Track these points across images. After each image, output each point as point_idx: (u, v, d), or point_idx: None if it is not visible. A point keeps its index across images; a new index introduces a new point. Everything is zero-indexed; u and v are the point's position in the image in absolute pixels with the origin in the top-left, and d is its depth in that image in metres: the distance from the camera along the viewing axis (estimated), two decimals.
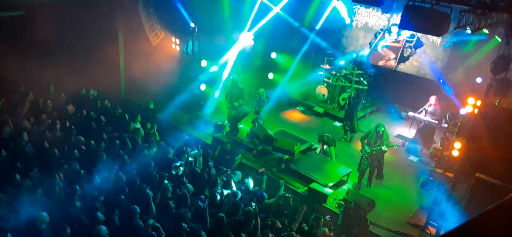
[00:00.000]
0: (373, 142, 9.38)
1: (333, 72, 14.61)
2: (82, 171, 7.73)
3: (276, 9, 14.32)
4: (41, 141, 8.51)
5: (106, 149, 8.89)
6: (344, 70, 14.33)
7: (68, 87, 11.20)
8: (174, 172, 8.60)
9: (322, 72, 14.88)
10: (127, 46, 13.50)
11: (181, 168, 8.88)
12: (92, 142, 8.90)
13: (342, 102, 14.06)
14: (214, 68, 14.03)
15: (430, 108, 12.00)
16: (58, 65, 11.07)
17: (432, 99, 11.97)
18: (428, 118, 11.89)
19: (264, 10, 14.48)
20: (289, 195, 8.31)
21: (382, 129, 9.32)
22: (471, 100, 9.29)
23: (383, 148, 9.30)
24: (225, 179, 8.66)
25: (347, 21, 15.57)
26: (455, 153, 9.06)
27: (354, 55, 15.07)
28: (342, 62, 14.48)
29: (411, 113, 12.49)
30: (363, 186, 9.73)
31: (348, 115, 12.23)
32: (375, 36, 15.52)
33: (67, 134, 9.10)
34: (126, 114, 10.63)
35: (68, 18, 11.72)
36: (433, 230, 8.27)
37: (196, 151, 9.42)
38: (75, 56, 11.70)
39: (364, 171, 9.61)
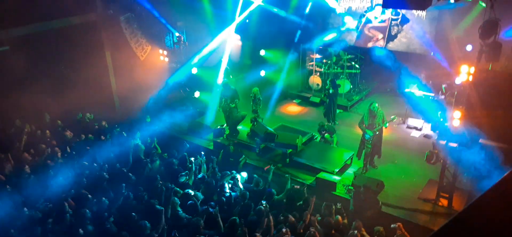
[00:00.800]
0: (370, 122, 9.38)
1: (324, 61, 14.65)
2: (89, 195, 7.70)
3: (257, 1, 14.19)
4: (43, 171, 8.43)
5: (109, 170, 8.85)
6: (334, 57, 14.37)
7: (62, 113, 11.14)
8: (181, 180, 8.57)
9: (312, 62, 14.90)
10: (115, 65, 13.46)
11: (186, 177, 8.84)
12: (95, 164, 8.84)
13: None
14: (194, 70, 14.10)
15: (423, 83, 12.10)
16: (49, 93, 11.02)
17: (422, 75, 12.08)
18: (422, 92, 11.96)
19: (247, 8, 14.45)
20: (299, 186, 8.32)
21: (376, 106, 9.32)
22: (464, 68, 9.32)
23: (384, 125, 9.35)
24: (231, 182, 8.66)
25: (336, 6, 15.48)
26: (456, 123, 9.10)
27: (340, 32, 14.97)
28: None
29: (407, 90, 12.54)
30: (369, 169, 9.76)
31: (328, 109, 12.19)
32: (360, 19, 15.56)
33: (69, 160, 9.02)
34: (124, 133, 10.57)
35: (53, 46, 11.70)
36: (444, 202, 8.32)
37: (199, 159, 9.40)
38: (65, 82, 11.66)
39: (368, 154, 9.62)
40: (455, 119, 9.11)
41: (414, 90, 12.20)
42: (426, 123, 11.95)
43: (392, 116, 9.63)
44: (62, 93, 11.24)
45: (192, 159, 9.49)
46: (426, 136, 11.51)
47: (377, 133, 9.42)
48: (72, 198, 7.57)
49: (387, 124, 9.45)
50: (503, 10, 8.55)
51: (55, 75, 11.68)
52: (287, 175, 8.77)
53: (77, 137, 10.12)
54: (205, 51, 14.10)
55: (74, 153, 9.44)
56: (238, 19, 14.06)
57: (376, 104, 9.34)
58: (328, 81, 12.36)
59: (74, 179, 8.30)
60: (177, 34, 14.44)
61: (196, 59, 14.16)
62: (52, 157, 9.04)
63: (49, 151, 9.40)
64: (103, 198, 7.58)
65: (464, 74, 9.26)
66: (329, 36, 14.65)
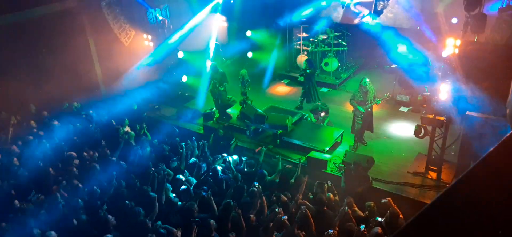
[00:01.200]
0: (362, 99, 9.40)
1: (311, 39, 14.59)
2: (80, 185, 7.67)
3: None
4: (33, 162, 8.32)
5: (99, 159, 8.78)
6: (321, 36, 14.32)
7: (48, 104, 10.96)
8: (173, 165, 8.57)
9: (299, 41, 14.83)
10: (99, 51, 13.23)
11: (178, 162, 8.83)
12: (85, 154, 8.75)
13: (325, 68, 14.09)
14: (180, 54, 13.93)
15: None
16: (33, 84, 10.82)
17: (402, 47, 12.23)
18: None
19: None
20: (291, 166, 8.39)
21: (367, 82, 9.35)
22: (450, 41, 9.37)
23: (376, 102, 9.41)
24: (223, 165, 8.68)
25: None
26: (443, 96, 9.20)
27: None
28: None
29: (394, 65, 12.62)
30: (359, 146, 9.85)
31: (308, 90, 12.08)
32: None
33: (57, 150, 8.92)
34: (113, 121, 10.46)
35: (35, 35, 11.43)
36: (433, 175, 8.48)
37: (190, 143, 9.37)
38: (50, 71, 11.43)
39: (359, 130, 9.69)
40: (442, 91, 9.22)
41: (403, 51, 12.26)
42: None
43: (385, 94, 9.65)
44: (46, 83, 11.05)
45: (183, 143, 9.48)
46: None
47: (369, 109, 9.46)
48: (63, 188, 7.51)
49: (380, 101, 9.47)
50: None
51: (38, 65, 11.46)
52: (278, 156, 8.82)
53: (65, 127, 9.97)
54: (186, 28, 13.89)
55: (62, 143, 9.32)
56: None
57: (367, 80, 9.36)
58: (304, 62, 12.26)
59: (63, 168, 8.24)
60: (160, 17, 14.19)
61: (176, 37, 13.94)
62: (41, 148, 8.92)
63: (36, 142, 9.28)
64: (95, 187, 7.55)
65: (450, 47, 9.34)
66: (306, 12, 14.49)
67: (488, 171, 0.94)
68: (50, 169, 8.06)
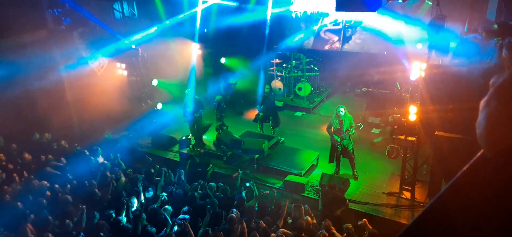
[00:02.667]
0: (338, 127, 9.29)
1: (284, 65, 14.90)
2: (49, 218, 7.40)
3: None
4: (0, 197, 7.98)
5: (72, 191, 8.52)
6: (294, 61, 14.65)
7: (17, 136, 10.62)
8: (149, 195, 8.42)
9: (273, 67, 15.09)
10: (71, 81, 12.98)
11: (153, 191, 8.69)
12: (56, 186, 8.47)
13: (298, 92, 14.37)
14: (154, 82, 13.96)
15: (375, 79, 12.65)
16: (1, 115, 10.47)
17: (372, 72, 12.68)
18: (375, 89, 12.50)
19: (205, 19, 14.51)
20: (268, 191, 8.40)
21: (342, 110, 9.25)
22: (416, 64, 9.78)
23: (351, 131, 9.25)
24: (200, 191, 8.61)
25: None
26: (412, 118, 9.53)
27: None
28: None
29: (364, 89, 13.02)
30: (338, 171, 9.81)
31: (269, 111, 11.87)
32: (316, 23, 15.95)
33: (27, 184, 8.60)
34: (86, 150, 10.22)
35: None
36: (407, 194, 8.70)
37: (163, 170, 9.26)
38: (19, 103, 11.11)
39: (338, 156, 9.60)
40: (411, 113, 9.57)
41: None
42: None
43: (359, 124, 9.49)
44: (17, 116, 10.72)
45: (162, 169, 9.34)
46: None
47: (344, 138, 9.29)
48: (32, 223, 7.23)
49: (353, 131, 9.36)
50: (449, 7, 9.06)
51: (5, 96, 11.11)
52: (251, 181, 8.79)
53: (36, 159, 9.66)
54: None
55: (32, 176, 9.00)
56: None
57: (342, 109, 9.26)
58: (266, 86, 12.16)
59: (34, 203, 7.93)
60: (133, 46, 14.17)
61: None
62: (9, 182, 8.58)
63: (4, 177, 8.93)
64: (67, 221, 7.31)
65: (417, 70, 9.75)
66: (297, 38, 14.89)
67: (458, 194, 0.95)
68: (18, 203, 7.75)
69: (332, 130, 9.39)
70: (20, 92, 11.28)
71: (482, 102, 0.94)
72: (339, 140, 9.29)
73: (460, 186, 0.94)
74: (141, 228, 7.21)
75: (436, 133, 8.20)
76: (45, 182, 8.41)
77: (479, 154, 0.94)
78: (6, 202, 7.91)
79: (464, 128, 7.55)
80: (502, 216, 0.85)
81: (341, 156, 9.60)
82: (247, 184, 8.73)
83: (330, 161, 9.73)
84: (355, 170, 9.57)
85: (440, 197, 0.96)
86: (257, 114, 12.08)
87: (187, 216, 7.34)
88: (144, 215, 7.45)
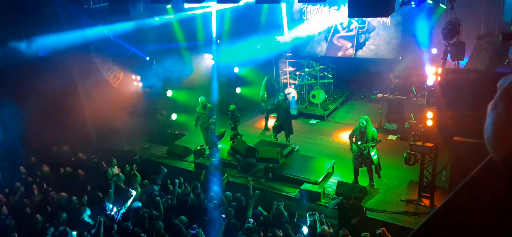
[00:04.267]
0: (358, 138, 9.08)
1: (297, 73, 14.88)
2: (68, 230, 7.49)
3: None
4: (20, 210, 8.12)
5: (89, 203, 8.62)
6: (307, 69, 14.62)
7: (36, 148, 10.83)
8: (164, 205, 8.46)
9: (286, 76, 15.10)
10: (88, 94, 13.20)
11: (169, 202, 8.72)
12: (74, 198, 8.58)
13: (312, 100, 14.32)
14: (169, 93, 14.00)
15: (392, 86, 12.50)
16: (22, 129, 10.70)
17: (390, 77, 12.52)
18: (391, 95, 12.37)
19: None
20: (279, 203, 8.24)
21: (364, 123, 8.99)
22: (431, 69, 9.62)
23: (370, 147, 8.97)
24: (216, 201, 8.60)
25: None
26: (429, 123, 9.36)
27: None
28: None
29: (379, 95, 12.88)
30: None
31: (283, 119, 11.80)
32: (328, 30, 15.92)
33: (46, 196, 8.74)
34: (103, 163, 10.34)
35: (22, 79, 11.40)
36: (426, 202, 8.53)
37: (177, 182, 9.28)
38: (38, 116, 11.32)
39: (356, 170, 9.45)
40: (428, 119, 9.41)
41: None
42: None
43: (378, 139, 9.21)
44: (36, 129, 10.93)
45: (174, 181, 9.38)
46: None
47: (363, 150, 9.04)
48: (51, 235, 7.33)
49: (373, 148, 9.12)
50: (464, 11, 8.93)
51: (24, 109, 11.33)
52: (257, 191, 8.52)
53: (54, 171, 9.82)
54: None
55: (49, 189, 9.15)
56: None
57: (364, 120, 9.03)
58: (281, 94, 12.08)
59: (52, 214, 8.05)
60: (148, 58, 14.37)
61: None
62: (28, 195, 8.73)
63: (22, 189, 9.09)
64: (85, 233, 7.38)
65: (432, 75, 9.60)
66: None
67: (465, 199, 0.94)
68: (37, 215, 7.87)
69: (353, 139, 9.25)
70: (40, 109, 11.49)
71: (489, 106, 0.91)
72: (356, 148, 9.14)
73: (468, 191, 0.93)
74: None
75: (455, 138, 8.05)
76: (63, 194, 8.52)
77: (487, 158, 0.92)
78: (26, 214, 8.04)
79: (482, 133, 7.38)
80: (509, 220, 0.83)
81: (359, 171, 9.41)
82: (256, 192, 8.60)
83: (355, 181, 9.41)
84: (372, 181, 9.42)
85: (448, 201, 0.95)
86: (273, 123, 12.09)
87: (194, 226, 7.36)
88: (161, 224, 7.49)
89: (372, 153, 9.14)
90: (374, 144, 9.06)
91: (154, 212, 7.94)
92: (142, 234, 7.18)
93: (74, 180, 9.61)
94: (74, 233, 7.43)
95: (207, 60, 15.22)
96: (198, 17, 14.63)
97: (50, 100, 11.60)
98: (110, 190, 8.92)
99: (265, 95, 13.49)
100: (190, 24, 14.69)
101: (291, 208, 8.20)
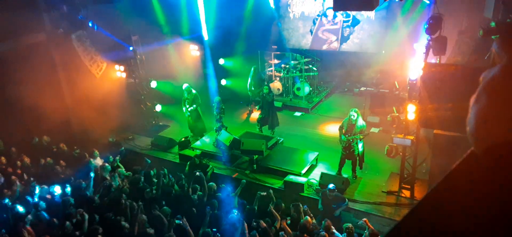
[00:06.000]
0: (347, 129, 9.21)
1: (282, 66, 14.92)
2: (55, 220, 7.43)
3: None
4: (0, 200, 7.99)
5: (72, 194, 8.54)
6: (292, 62, 14.67)
7: (16, 139, 10.61)
8: (148, 196, 8.43)
9: (271, 68, 15.13)
10: (69, 84, 12.97)
11: (152, 193, 8.69)
12: (57, 189, 8.48)
13: (297, 92, 14.39)
14: (153, 84, 13.86)
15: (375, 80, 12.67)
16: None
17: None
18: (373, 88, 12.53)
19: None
20: (265, 192, 8.33)
21: (354, 114, 9.10)
22: (412, 63, 9.76)
23: (356, 137, 9.12)
24: (200, 193, 8.60)
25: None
26: (411, 116, 9.54)
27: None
28: None
29: (363, 88, 13.03)
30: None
31: (267, 112, 11.80)
32: (314, 23, 16.00)
33: (27, 187, 8.61)
34: (85, 153, 10.21)
35: (1, 69, 11.12)
36: (407, 193, 8.72)
37: (161, 173, 9.25)
38: (17, 107, 11.08)
39: (342, 161, 9.57)
40: (410, 112, 9.57)
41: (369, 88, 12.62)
42: None
43: (365, 133, 9.40)
44: (14, 118, 10.70)
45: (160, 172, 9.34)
46: None
47: (351, 142, 9.18)
48: (31, 225, 7.24)
49: (358, 137, 9.23)
50: (447, 6, 9.07)
51: (4, 100, 11.09)
52: (243, 180, 8.79)
53: (35, 162, 9.66)
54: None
55: (31, 179, 9.00)
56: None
57: (354, 113, 9.15)
58: (265, 86, 11.93)
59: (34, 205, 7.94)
60: (131, 48, 14.16)
61: None
62: (9, 186, 8.58)
63: (1, 180, 8.93)
64: (67, 223, 7.31)
65: (414, 69, 9.76)
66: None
67: (447, 192, 0.93)
68: (19, 207, 7.75)
69: (343, 130, 9.35)
70: (18, 99, 11.25)
71: (472, 99, 0.92)
72: (344, 139, 9.25)
73: (450, 184, 0.93)
74: (140, 229, 7.23)
75: (435, 131, 8.22)
76: (45, 185, 8.40)
77: (468, 151, 0.93)
78: (5, 205, 7.91)
79: (463, 126, 7.55)
80: (491, 213, 0.83)
81: (347, 158, 9.53)
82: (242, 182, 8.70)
83: (338, 173, 9.56)
84: (355, 172, 9.57)
85: (429, 194, 0.94)
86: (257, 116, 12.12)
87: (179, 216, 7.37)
88: (145, 217, 7.47)
89: (359, 146, 9.29)
90: (362, 137, 9.23)
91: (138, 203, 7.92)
92: (123, 223, 7.16)
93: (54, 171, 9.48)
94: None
95: (192, 51, 15.12)
96: (182, 4, 14.46)
97: (29, 89, 11.36)
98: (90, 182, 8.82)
99: (252, 85, 13.52)
100: (175, 13, 14.52)
101: (278, 199, 8.26)
